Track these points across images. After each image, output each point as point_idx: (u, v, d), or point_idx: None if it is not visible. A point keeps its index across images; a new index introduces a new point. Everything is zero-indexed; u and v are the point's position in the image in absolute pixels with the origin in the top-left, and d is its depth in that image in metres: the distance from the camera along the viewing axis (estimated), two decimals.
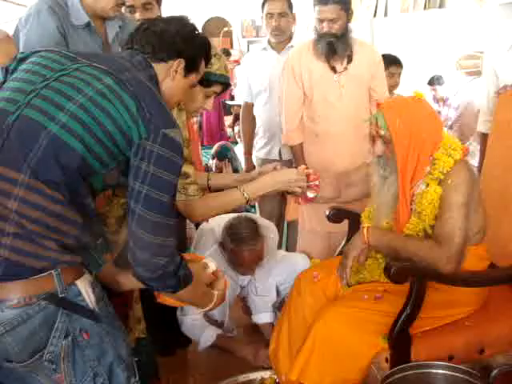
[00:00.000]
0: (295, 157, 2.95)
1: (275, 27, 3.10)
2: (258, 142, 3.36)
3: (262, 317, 2.75)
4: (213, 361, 2.64)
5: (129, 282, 1.59)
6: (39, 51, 1.45)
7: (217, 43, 8.14)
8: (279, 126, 3.03)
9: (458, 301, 1.94)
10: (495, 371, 1.45)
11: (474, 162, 2.97)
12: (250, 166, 3.48)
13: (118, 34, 2.24)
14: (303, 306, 2.11)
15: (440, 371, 1.75)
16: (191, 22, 1.61)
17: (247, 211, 3.57)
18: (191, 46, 1.55)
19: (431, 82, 5.25)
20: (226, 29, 9.23)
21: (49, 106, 1.30)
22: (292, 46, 3.13)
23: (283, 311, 2.24)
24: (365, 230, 1.98)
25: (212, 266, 1.69)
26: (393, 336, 1.82)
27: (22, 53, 1.47)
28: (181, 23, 1.57)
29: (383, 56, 3.15)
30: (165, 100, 1.45)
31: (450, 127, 4.41)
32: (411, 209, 1.94)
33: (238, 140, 5.39)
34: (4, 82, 1.44)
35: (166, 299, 1.60)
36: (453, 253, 1.81)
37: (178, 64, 1.52)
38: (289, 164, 3.09)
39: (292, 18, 3.17)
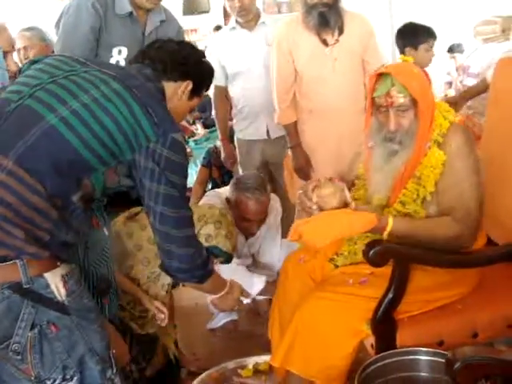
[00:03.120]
0: (289, 136, 2.84)
1: (239, 7, 2.91)
2: (240, 123, 3.18)
3: (256, 282, 2.62)
4: (210, 346, 2.62)
5: None
6: (53, 56, 1.51)
7: None
8: (263, 105, 2.94)
9: (449, 283, 1.82)
10: (458, 364, 1.34)
11: None
12: (229, 151, 3.34)
13: (157, 28, 2.38)
14: (290, 290, 2.04)
15: (423, 357, 1.67)
16: (200, 49, 1.72)
17: None
18: (200, 70, 1.64)
19: (451, 50, 5.03)
20: None
21: (51, 98, 1.33)
22: (263, 23, 2.98)
23: (275, 295, 2.17)
24: (390, 220, 1.72)
25: None
26: (375, 322, 1.73)
27: (36, 58, 1.52)
28: (192, 47, 1.67)
29: (420, 27, 3.03)
30: None
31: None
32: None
33: None
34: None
35: None
36: (472, 228, 1.73)
37: (187, 85, 1.59)
38: (277, 142, 3.02)
39: None
